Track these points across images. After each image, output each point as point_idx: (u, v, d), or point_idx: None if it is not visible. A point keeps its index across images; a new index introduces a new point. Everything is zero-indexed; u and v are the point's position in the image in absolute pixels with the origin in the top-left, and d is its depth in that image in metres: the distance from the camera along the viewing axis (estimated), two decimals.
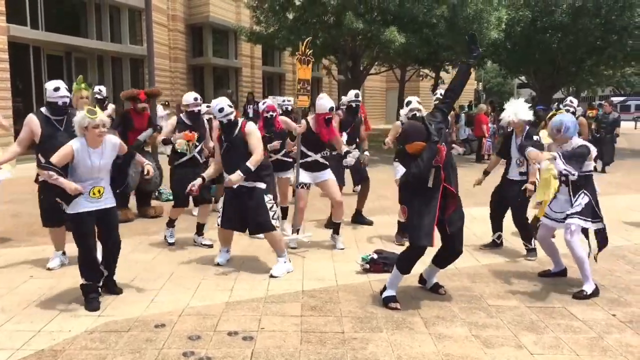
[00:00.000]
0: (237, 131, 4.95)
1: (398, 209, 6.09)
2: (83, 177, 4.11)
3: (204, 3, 21.87)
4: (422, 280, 4.62)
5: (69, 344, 3.51)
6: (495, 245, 5.96)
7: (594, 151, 4.53)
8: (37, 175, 4.97)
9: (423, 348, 3.49)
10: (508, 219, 5.80)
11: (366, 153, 7.04)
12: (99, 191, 4.17)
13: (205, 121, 6.37)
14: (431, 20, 15.16)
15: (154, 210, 7.56)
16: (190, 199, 6.05)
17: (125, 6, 18.16)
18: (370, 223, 7.09)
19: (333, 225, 6.05)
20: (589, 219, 4.50)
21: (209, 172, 5.17)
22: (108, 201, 4.28)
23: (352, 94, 7.14)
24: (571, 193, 4.57)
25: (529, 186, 5.46)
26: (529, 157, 4.82)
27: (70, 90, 5.09)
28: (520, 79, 28.88)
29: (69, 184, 3.96)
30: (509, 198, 5.65)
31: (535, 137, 5.42)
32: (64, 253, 5.17)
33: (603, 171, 12.95)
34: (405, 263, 4.20)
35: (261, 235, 5.75)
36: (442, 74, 26.72)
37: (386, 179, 9.30)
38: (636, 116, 35.72)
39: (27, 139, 4.88)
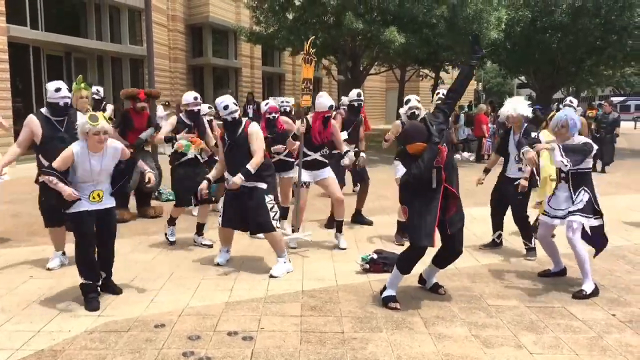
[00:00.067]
0: (240, 130, 4.96)
1: (398, 209, 6.11)
2: (83, 180, 4.13)
3: (203, 3, 21.86)
4: (421, 280, 4.62)
5: (68, 344, 3.51)
6: (495, 245, 5.96)
7: (594, 149, 4.55)
8: (38, 175, 4.97)
9: (423, 348, 3.49)
10: (508, 219, 5.80)
11: (362, 154, 7.03)
12: (98, 195, 4.19)
13: (206, 122, 6.36)
14: (431, 21, 15.16)
15: (154, 211, 7.56)
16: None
17: (125, 6, 18.16)
18: (370, 223, 7.10)
19: (335, 224, 6.05)
20: (591, 216, 4.52)
21: (214, 173, 5.17)
22: (108, 202, 4.29)
23: (354, 93, 7.14)
24: (572, 190, 4.57)
25: (523, 182, 5.47)
26: (525, 158, 4.83)
27: (70, 90, 5.09)
28: (520, 79, 28.89)
29: (65, 190, 3.99)
30: (508, 196, 5.65)
31: (533, 134, 5.44)
32: (63, 253, 5.17)
33: (603, 171, 12.96)
34: (405, 263, 4.21)
35: (261, 235, 5.76)
36: (442, 74, 26.73)
37: (386, 178, 9.31)
38: (636, 116, 35.72)
39: (27, 140, 4.87)
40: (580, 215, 4.47)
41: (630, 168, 13.93)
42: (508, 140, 5.66)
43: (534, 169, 5.55)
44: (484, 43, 16.50)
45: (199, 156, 5.93)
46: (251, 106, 16.72)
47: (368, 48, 18.01)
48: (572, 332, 3.76)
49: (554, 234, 5.16)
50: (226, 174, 5.12)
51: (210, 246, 5.86)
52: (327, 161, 5.98)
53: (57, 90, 4.84)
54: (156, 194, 8.63)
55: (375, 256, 5.11)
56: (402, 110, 6.09)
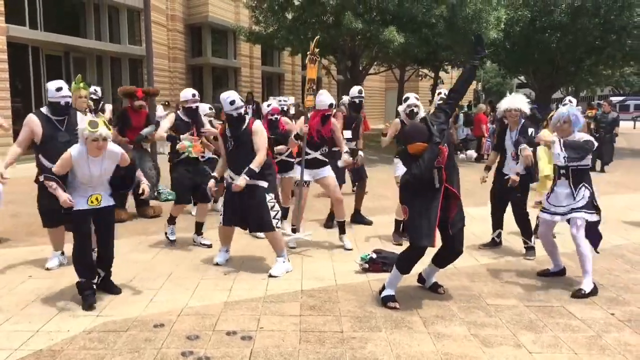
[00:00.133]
0: (244, 127, 4.96)
1: (396, 208, 6.11)
2: (82, 182, 4.15)
3: (202, 3, 21.85)
4: (421, 279, 4.62)
5: (67, 344, 3.51)
6: (495, 244, 5.96)
7: (595, 147, 4.58)
8: (37, 175, 4.96)
9: (422, 347, 3.49)
10: (509, 219, 5.80)
11: (360, 153, 7.04)
12: (96, 199, 4.21)
13: (207, 122, 6.34)
14: (430, 20, 15.16)
15: (153, 210, 7.56)
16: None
17: (124, 6, 18.15)
18: (369, 223, 7.10)
19: (338, 225, 6.05)
20: (592, 211, 4.55)
21: (219, 171, 5.17)
22: (107, 201, 4.30)
23: (355, 90, 7.14)
24: (572, 186, 4.58)
25: (513, 177, 5.47)
26: (522, 155, 4.84)
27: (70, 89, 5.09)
28: (519, 78, 28.87)
29: (61, 195, 4.02)
30: (507, 193, 5.66)
31: (530, 130, 5.45)
32: (62, 253, 5.17)
33: (602, 170, 12.97)
34: (405, 263, 4.20)
35: (261, 235, 5.77)
36: (441, 73, 26.73)
37: (386, 178, 9.31)
38: (635, 116, 35.73)
39: (28, 140, 4.86)
40: (585, 212, 4.51)
41: (630, 167, 13.94)
42: (505, 137, 5.67)
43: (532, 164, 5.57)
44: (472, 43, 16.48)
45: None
46: (251, 106, 16.71)
47: (367, 48, 18.01)
48: (571, 331, 3.76)
49: (555, 234, 5.15)
50: (228, 172, 5.10)
51: (210, 246, 5.86)
52: (327, 160, 5.98)
53: (58, 89, 4.84)
54: (155, 193, 8.63)
55: (374, 256, 5.10)
56: (400, 108, 6.10)
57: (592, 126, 13.10)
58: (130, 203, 7.59)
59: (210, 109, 7.82)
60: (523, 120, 5.53)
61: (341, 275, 4.97)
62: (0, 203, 6.08)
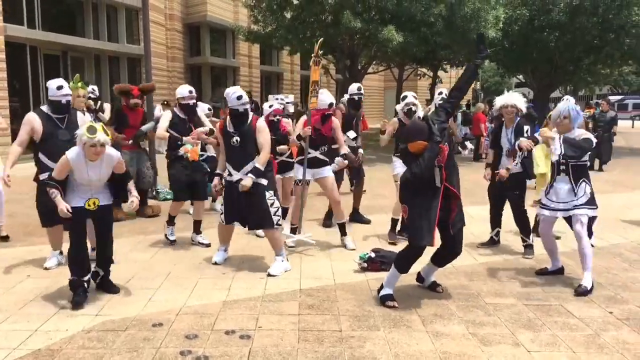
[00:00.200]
0: (247, 123, 4.96)
1: (393, 207, 6.13)
2: (80, 184, 4.16)
3: (201, 2, 21.81)
4: (419, 278, 4.62)
5: (66, 343, 3.51)
6: (493, 243, 5.97)
7: (594, 144, 4.61)
8: (37, 173, 4.96)
9: (420, 346, 3.49)
10: (508, 218, 5.81)
11: (360, 151, 7.05)
12: (94, 203, 4.21)
13: (208, 122, 6.33)
14: (429, 19, 15.16)
15: (152, 210, 7.56)
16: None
17: (122, 5, 18.12)
18: (368, 222, 7.10)
19: (338, 227, 6.05)
20: (594, 207, 4.60)
21: (222, 168, 5.17)
22: (105, 200, 4.31)
23: (354, 87, 7.14)
24: (573, 182, 4.60)
25: (502, 172, 5.49)
26: (521, 146, 4.85)
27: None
28: (518, 77, 28.88)
29: (60, 204, 4.03)
30: (505, 191, 5.67)
31: (525, 127, 5.46)
32: (61, 253, 5.16)
33: (600, 169, 12.99)
34: (403, 262, 4.21)
35: (261, 233, 5.77)
36: (440, 72, 26.75)
37: (384, 177, 9.32)
38: (633, 115, 35.77)
39: (28, 138, 4.86)
40: (588, 208, 4.56)
41: (628, 166, 13.96)
42: (501, 135, 5.68)
43: (528, 163, 5.60)
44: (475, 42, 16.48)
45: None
46: (250, 105, 16.70)
47: (366, 47, 18.01)
48: (569, 329, 3.77)
49: (559, 236, 5.15)
50: (228, 168, 5.07)
51: (208, 245, 5.85)
52: (327, 159, 5.98)
53: (59, 88, 4.84)
54: (154, 193, 8.63)
55: (373, 255, 5.11)
56: (398, 107, 6.13)
57: (590, 125, 13.12)
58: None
59: (209, 109, 7.82)
60: (518, 118, 5.55)
61: (340, 274, 4.97)
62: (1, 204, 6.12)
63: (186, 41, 22.45)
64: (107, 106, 8.55)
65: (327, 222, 6.90)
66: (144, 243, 6.07)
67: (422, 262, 4.42)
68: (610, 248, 5.86)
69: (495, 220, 5.95)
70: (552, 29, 18.59)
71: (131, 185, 4.42)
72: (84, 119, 5.13)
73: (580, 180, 4.60)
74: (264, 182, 4.99)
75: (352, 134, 6.88)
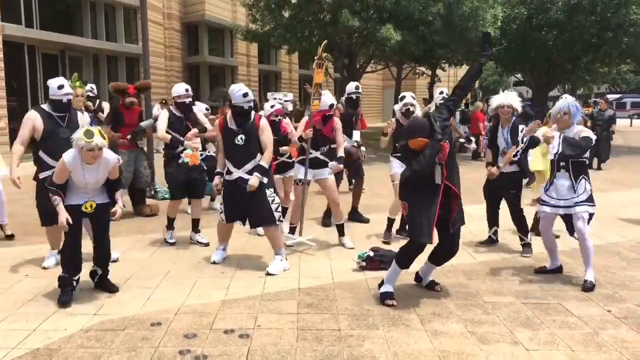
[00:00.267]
0: (251, 121, 4.97)
1: (389, 206, 6.13)
2: (78, 187, 4.17)
3: (199, 1, 21.80)
4: (417, 277, 4.62)
5: (64, 342, 3.50)
6: (492, 242, 5.98)
7: (593, 143, 4.64)
8: (36, 172, 4.95)
9: (419, 345, 3.50)
10: (506, 217, 5.81)
11: (363, 148, 7.08)
12: (91, 206, 4.22)
13: (205, 119, 6.32)
14: (427, 18, 15.16)
15: (150, 209, 7.55)
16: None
17: (120, 4, 18.11)
18: (366, 221, 7.11)
19: (337, 228, 6.05)
20: (593, 204, 4.65)
21: (222, 166, 5.16)
22: (102, 198, 4.31)
23: (352, 85, 7.14)
24: (572, 179, 4.63)
25: (493, 170, 5.52)
26: (527, 132, 4.86)
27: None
28: (516, 76, 28.91)
29: (61, 215, 4.04)
30: (501, 190, 5.68)
31: (520, 127, 5.48)
32: (59, 252, 5.15)
33: (599, 168, 13.00)
34: (404, 258, 4.20)
35: (261, 231, 5.77)
36: (438, 71, 26.74)
37: (382, 176, 9.31)
38: (632, 113, 35.79)
39: (30, 137, 4.86)
40: (588, 205, 4.61)
41: (626, 165, 13.98)
42: (497, 134, 5.70)
43: (524, 162, 5.62)
44: (479, 41, 16.49)
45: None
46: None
47: (364, 46, 18.02)
48: (567, 328, 3.77)
49: (559, 235, 5.16)
50: (228, 166, 5.04)
51: (207, 244, 5.85)
52: (328, 160, 5.97)
53: (60, 87, 4.85)
54: (152, 192, 8.62)
55: (371, 254, 5.11)
56: (396, 107, 6.13)
57: (588, 124, 13.13)
58: (126, 202, 7.57)
59: (207, 109, 7.81)
60: (514, 118, 5.58)
61: (338, 273, 4.97)
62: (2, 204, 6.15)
63: (184, 40, 22.44)
64: (105, 105, 8.56)
65: (326, 220, 6.91)
66: (142, 242, 6.06)
67: (420, 262, 4.43)
68: (608, 246, 5.87)
69: (492, 219, 5.97)
70: (550, 28, 18.62)
71: (119, 195, 4.40)
72: (83, 118, 5.14)
73: (580, 177, 4.63)
74: (264, 180, 5.00)
75: (357, 134, 6.93)
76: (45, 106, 4.94)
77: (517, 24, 18.60)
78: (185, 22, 22.25)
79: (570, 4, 17.91)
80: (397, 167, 5.95)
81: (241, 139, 4.94)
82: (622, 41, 18.17)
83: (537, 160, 6.92)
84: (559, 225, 5.04)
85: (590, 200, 4.63)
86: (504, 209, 5.83)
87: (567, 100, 4.72)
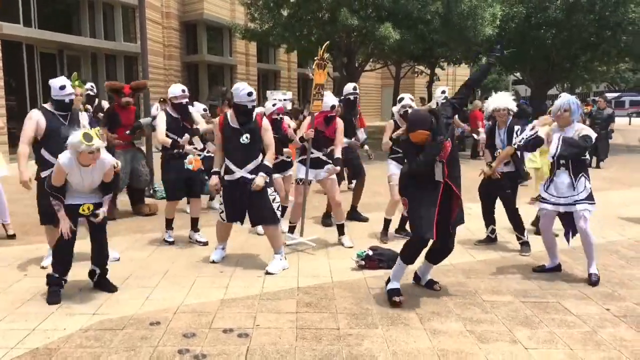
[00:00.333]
0: (253, 120, 4.99)
1: (386, 206, 6.14)
2: (75, 188, 4.17)
3: (198, 0, 21.78)
4: (416, 277, 4.62)
5: (63, 342, 3.50)
6: (490, 240, 5.98)
7: (593, 141, 4.65)
8: (37, 171, 4.94)
9: (418, 344, 3.50)
10: (503, 216, 5.81)
11: (366, 147, 7.14)
12: (88, 208, 4.22)
13: (201, 120, 6.32)
14: (426, 17, 15.17)
15: (149, 208, 7.55)
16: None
17: (118, 3, 18.07)
18: (365, 220, 7.11)
19: (337, 227, 6.06)
20: (593, 202, 4.68)
21: (219, 165, 5.15)
22: (98, 198, 4.32)
23: (350, 86, 7.14)
24: (572, 176, 4.64)
25: (486, 169, 5.56)
26: (538, 123, 4.87)
27: None
28: (515, 75, 28.93)
29: (64, 222, 4.08)
30: (496, 190, 5.70)
31: (516, 127, 5.51)
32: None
33: (598, 167, 13.02)
34: (408, 253, 4.18)
35: (261, 230, 5.77)
36: (437, 70, 26.73)
37: (381, 175, 9.29)
38: (630, 112, 35.84)
39: (33, 136, 4.86)
40: (588, 203, 4.64)
41: (625, 163, 13.99)
42: (494, 135, 5.74)
43: (519, 161, 5.63)
44: (478, 39, 16.52)
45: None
46: None
47: (363, 44, 18.01)
48: (566, 326, 3.78)
49: (556, 233, 5.16)
50: (229, 166, 5.03)
51: (206, 244, 5.85)
52: (330, 161, 5.97)
53: (62, 87, 4.86)
54: (151, 191, 8.62)
55: (370, 252, 5.11)
56: (395, 109, 6.13)
57: (587, 123, 13.14)
58: (125, 202, 7.57)
59: (204, 110, 7.80)
60: (511, 118, 5.62)
61: (337, 272, 4.97)
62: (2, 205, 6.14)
63: (183, 39, 22.41)
64: (105, 104, 8.56)
65: (326, 220, 6.91)
66: (141, 242, 6.06)
67: (418, 261, 4.42)
68: (607, 245, 5.88)
69: (488, 218, 5.98)
70: (548, 27, 18.63)
71: (106, 199, 4.37)
72: (83, 117, 5.16)
73: (580, 175, 4.65)
74: (268, 179, 5.02)
75: (362, 134, 6.97)
76: (47, 105, 4.96)
77: (515, 23, 18.61)
78: (183, 21, 22.22)
79: (569, 3, 17.93)
80: (394, 168, 5.98)
81: (247, 137, 4.94)
82: (620, 40, 18.19)
83: (535, 158, 6.93)
84: (558, 224, 5.05)
85: (590, 198, 4.65)
86: (500, 207, 5.83)
87: (567, 98, 4.73)
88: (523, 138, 4.97)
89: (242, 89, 4.91)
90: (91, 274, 4.46)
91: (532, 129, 4.89)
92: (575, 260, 5.28)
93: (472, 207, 6.03)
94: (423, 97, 22.88)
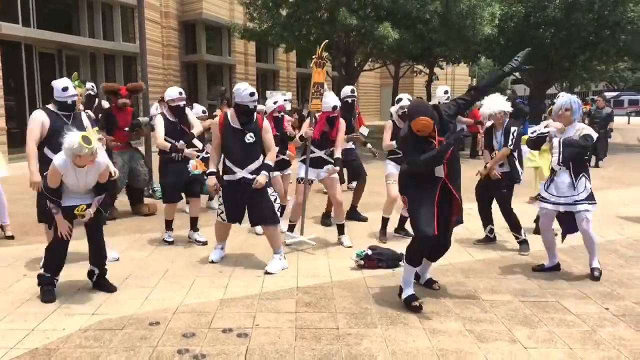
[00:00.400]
0: (254, 121, 5.00)
1: (383, 206, 6.14)
2: (70, 189, 4.17)
3: (197, 0, 21.77)
4: (415, 276, 4.61)
5: (63, 342, 3.50)
6: (489, 240, 5.99)
7: (593, 140, 4.65)
8: (40, 171, 4.94)
9: (417, 343, 3.50)
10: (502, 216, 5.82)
11: (369, 145, 7.16)
12: (82, 209, 4.21)
13: (197, 122, 6.31)
14: (424, 16, 15.16)
15: (148, 208, 7.54)
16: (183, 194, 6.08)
17: (117, 3, 18.06)
18: (364, 219, 7.11)
19: (337, 227, 6.06)
20: (594, 202, 4.70)
21: (215, 165, 5.15)
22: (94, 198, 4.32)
23: (347, 89, 7.15)
24: (573, 176, 4.66)
25: (481, 170, 5.63)
26: (553, 124, 4.86)
27: None
28: (514, 74, 28.97)
29: (62, 225, 4.11)
30: (492, 190, 5.73)
31: (513, 129, 5.52)
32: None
33: (597, 166, 13.03)
34: (413, 255, 4.16)
35: (260, 230, 5.77)
36: (436, 69, 26.74)
37: (379, 175, 9.27)
38: (629, 111, 35.87)
39: (40, 135, 4.86)
40: (588, 203, 4.66)
41: (624, 162, 14.00)
42: (491, 137, 5.78)
43: (518, 162, 5.63)
44: (477, 39, 16.53)
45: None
46: None
47: (362, 44, 18.00)
48: (565, 326, 3.78)
49: (556, 232, 5.17)
50: (229, 166, 5.01)
51: (205, 243, 5.85)
52: (332, 160, 5.97)
53: (65, 89, 4.90)
54: (150, 191, 8.61)
55: (369, 252, 5.11)
56: (393, 109, 6.14)
57: (586, 122, 13.16)
58: (125, 202, 7.56)
59: (203, 112, 7.80)
60: (507, 120, 5.66)
61: (337, 272, 4.97)
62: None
63: (182, 39, 22.40)
64: (105, 104, 8.54)
65: (325, 220, 6.91)
66: (140, 241, 6.06)
67: None
68: (606, 244, 5.88)
69: (486, 218, 5.99)
70: (547, 26, 18.64)
71: (96, 200, 4.32)
72: (84, 117, 5.18)
73: (580, 175, 4.66)
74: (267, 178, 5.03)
75: (364, 130, 6.98)
76: (50, 106, 5.00)
77: (514, 22, 18.63)
78: (182, 21, 22.21)
79: (568, 2, 17.93)
80: (393, 168, 6.01)
81: (251, 136, 4.95)
82: (619, 39, 18.20)
83: (533, 157, 6.93)
84: (558, 224, 5.05)
85: (590, 198, 4.67)
86: (497, 207, 5.83)
87: (568, 97, 4.73)
88: (535, 130, 5.03)
89: (244, 89, 4.91)
90: (90, 274, 4.46)
91: (546, 126, 4.90)
92: (574, 259, 5.29)
93: (472, 207, 6.01)
94: (421, 97, 22.88)
